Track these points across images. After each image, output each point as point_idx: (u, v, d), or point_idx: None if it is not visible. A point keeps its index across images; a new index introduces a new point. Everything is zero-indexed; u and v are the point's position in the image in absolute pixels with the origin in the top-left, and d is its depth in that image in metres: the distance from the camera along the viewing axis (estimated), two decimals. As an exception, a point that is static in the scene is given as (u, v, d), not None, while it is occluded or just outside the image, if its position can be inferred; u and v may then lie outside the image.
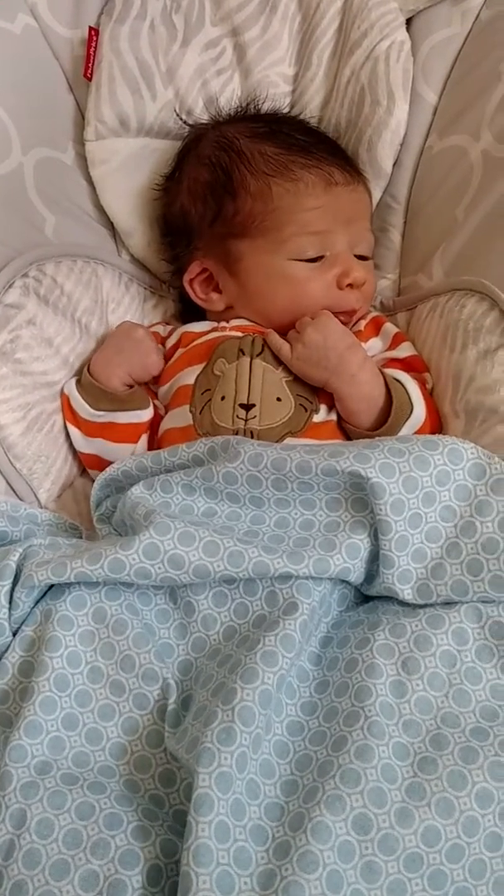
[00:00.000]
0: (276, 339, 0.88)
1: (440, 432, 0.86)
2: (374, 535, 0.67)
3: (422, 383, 0.89)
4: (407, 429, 0.84)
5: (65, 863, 0.55)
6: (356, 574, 0.67)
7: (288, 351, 0.87)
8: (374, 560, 0.68)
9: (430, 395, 0.88)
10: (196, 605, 0.68)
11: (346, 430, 0.87)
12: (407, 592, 0.67)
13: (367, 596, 0.71)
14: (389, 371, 0.88)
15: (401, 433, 0.84)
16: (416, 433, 0.85)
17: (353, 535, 0.67)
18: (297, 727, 0.61)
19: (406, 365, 0.91)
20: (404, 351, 0.93)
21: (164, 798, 0.61)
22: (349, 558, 0.67)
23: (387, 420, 0.84)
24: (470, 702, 0.62)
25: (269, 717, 0.60)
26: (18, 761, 0.60)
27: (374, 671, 0.62)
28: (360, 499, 0.68)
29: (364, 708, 0.60)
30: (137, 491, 0.73)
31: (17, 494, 0.86)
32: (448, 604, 0.66)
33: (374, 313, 1.00)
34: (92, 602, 0.68)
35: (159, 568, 0.66)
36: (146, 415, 0.92)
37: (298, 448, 0.70)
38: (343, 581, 0.69)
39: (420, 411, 0.85)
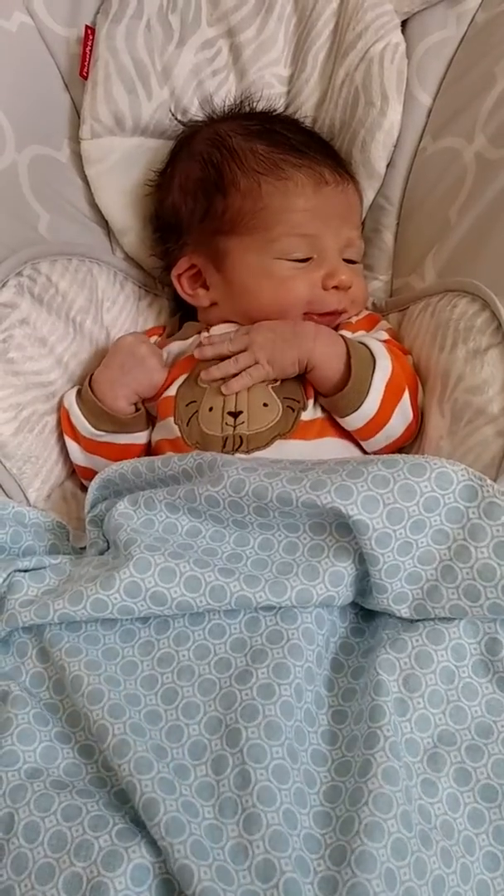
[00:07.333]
0: (238, 382, 0.85)
1: (418, 394, 0.86)
2: (360, 560, 0.66)
3: (394, 345, 0.89)
4: (379, 379, 0.83)
5: (50, 866, 0.54)
6: (341, 599, 0.66)
7: (258, 368, 0.85)
8: (366, 577, 0.67)
9: (403, 357, 0.88)
10: (171, 622, 0.68)
11: (324, 404, 0.86)
12: (404, 611, 0.66)
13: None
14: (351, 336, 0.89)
15: (374, 386, 0.83)
16: (390, 384, 0.83)
17: (336, 562, 0.66)
18: (321, 757, 0.61)
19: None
20: (382, 336, 0.92)
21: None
22: (332, 586, 0.65)
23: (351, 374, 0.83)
24: (466, 718, 0.62)
25: (293, 746, 0.59)
26: (9, 765, 0.60)
27: (381, 688, 0.61)
28: (344, 524, 0.66)
29: (381, 728, 0.59)
30: (122, 507, 0.73)
31: (6, 493, 0.86)
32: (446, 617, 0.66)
33: (369, 312, 1.00)
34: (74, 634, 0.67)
35: (142, 605, 0.65)
36: (145, 437, 0.93)
37: (281, 476, 0.68)
38: None
39: (386, 362, 0.84)
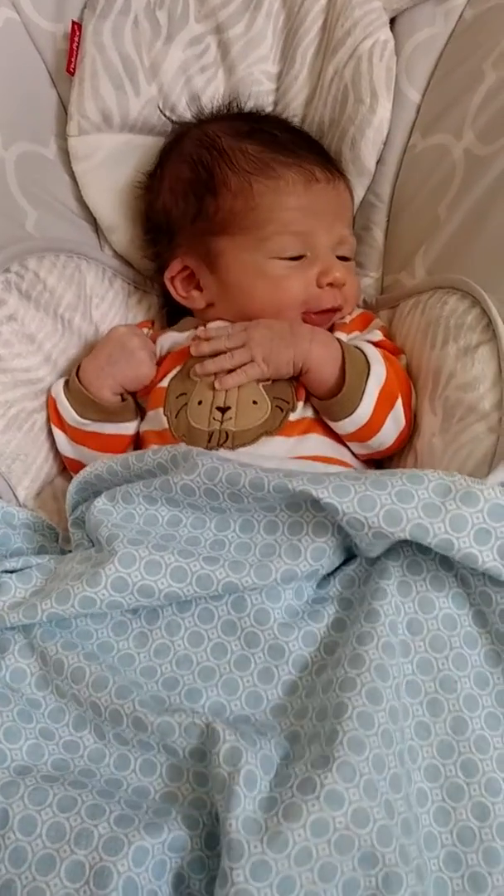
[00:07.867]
0: (232, 378, 0.85)
1: (411, 401, 0.86)
2: (338, 531, 0.67)
3: (388, 349, 0.88)
4: (373, 385, 0.83)
5: (50, 857, 0.55)
6: (326, 569, 0.68)
7: (253, 366, 0.85)
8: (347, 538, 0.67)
9: (397, 361, 0.88)
10: (160, 611, 0.69)
11: (317, 406, 0.85)
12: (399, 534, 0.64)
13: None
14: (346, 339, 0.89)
15: (367, 392, 0.83)
16: (384, 390, 0.83)
17: (316, 538, 0.67)
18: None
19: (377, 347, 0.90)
20: (376, 336, 0.92)
21: (147, 787, 0.61)
22: (314, 561, 0.67)
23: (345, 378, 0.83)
24: (466, 665, 0.63)
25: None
26: None
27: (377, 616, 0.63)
28: (317, 502, 0.66)
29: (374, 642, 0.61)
30: (100, 504, 0.73)
31: (-6, 492, 0.86)
32: (444, 564, 0.66)
33: (362, 310, 1.00)
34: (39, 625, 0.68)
35: (130, 599, 0.66)
36: (133, 427, 0.92)
37: (255, 466, 0.70)
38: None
39: (380, 368, 0.84)
